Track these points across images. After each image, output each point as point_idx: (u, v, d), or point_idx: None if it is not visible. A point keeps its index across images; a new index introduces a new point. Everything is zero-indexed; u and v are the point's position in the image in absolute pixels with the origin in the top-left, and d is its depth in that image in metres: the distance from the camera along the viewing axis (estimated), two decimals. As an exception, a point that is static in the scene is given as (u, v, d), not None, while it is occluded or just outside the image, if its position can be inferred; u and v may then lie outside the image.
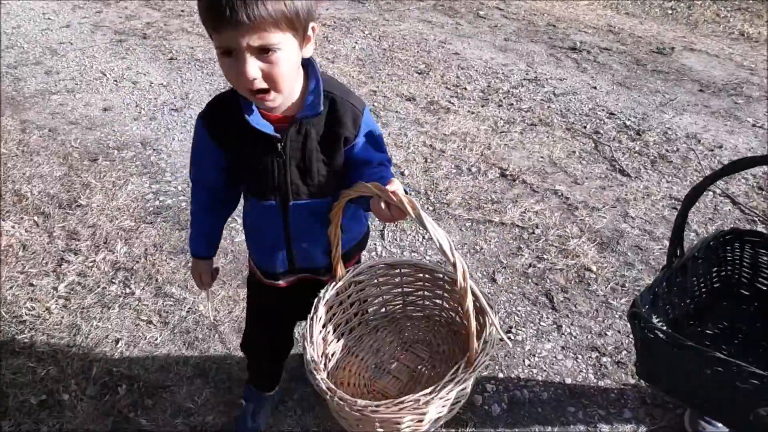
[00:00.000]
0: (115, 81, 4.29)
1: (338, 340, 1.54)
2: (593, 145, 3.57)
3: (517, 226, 2.88)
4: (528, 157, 3.42)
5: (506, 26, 5.41)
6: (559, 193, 3.11)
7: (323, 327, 1.44)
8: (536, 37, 5.17)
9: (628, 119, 3.84)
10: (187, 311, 2.37)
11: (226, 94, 1.34)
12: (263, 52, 1.12)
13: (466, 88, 4.20)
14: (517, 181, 3.20)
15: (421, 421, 1.25)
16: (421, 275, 1.58)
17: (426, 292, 1.61)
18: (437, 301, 1.61)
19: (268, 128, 1.28)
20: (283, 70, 1.16)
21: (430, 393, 1.18)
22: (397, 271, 1.58)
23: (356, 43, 4.97)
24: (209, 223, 1.60)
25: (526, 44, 5.02)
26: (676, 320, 1.73)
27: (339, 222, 1.33)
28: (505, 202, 3.04)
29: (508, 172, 3.27)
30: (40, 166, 3.28)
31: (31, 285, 2.49)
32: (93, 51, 4.76)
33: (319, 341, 1.40)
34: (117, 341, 2.24)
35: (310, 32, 1.20)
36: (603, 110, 3.95)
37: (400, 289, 1.61)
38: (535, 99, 4.08)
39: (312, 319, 1.37)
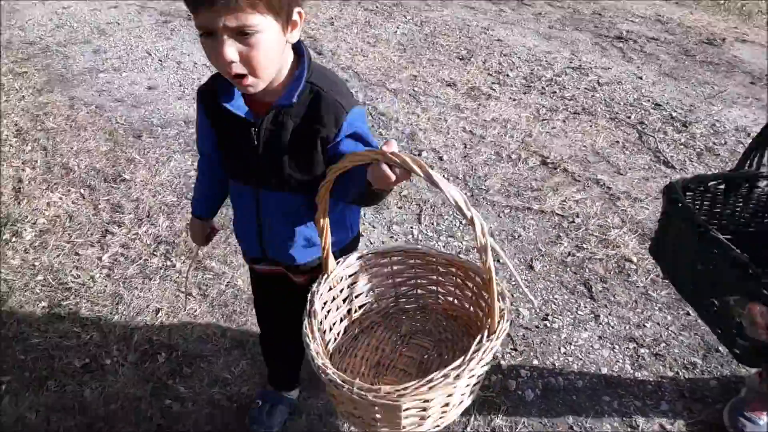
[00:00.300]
0: (160, 61, 4.35)
1: (334, 341, 1.45)
2: (637, 135, 3.50)
3: (557, 214, 2.85)
4: (570, 146, 3.37)
5: (551, 14, 5.32)
6: (601, 183, 3.06)
7: (320, 323, 1.34)
8: (581, 25, 5.08)
9: (675, 110, 3.75)
10: (226, 285, 2.40)
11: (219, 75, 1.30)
12: (241, 35, 1.09)
13: (508, 75, 4.16)
14: (558, 170, 3.16)
15: (447, 404, 1.19)
16: (412, 261, 1.48)
17: (419, 280, 1.52)
18: (432, 287, 1.52)
19: (242, 111, 1.26)
20: (262, 54, 1.12)
21: (460, 366, 1.09)
22: (387, 260, 1.48)
23: (398, 27, 4.95)
24: (208, 190, 1.62)
25: (570, 32, 4.93)
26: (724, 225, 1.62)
27: (326, 208, 1.23)
28: (545, 190, 3.00)
29: (549, 160, 3.23)
30: (87, 141, 3.35)
31: (77, 254, 2.56)
32: (139, 31, 4.84)
33: (319, 337, 1.28)
34: (157, 311, 2.29)
35: (296, 17, 1.16)
36: (648, 101, 3.87)
37: (391, 281, 1.51)
38: (578, 87, 4.02)
39: (309, 314, 1.28)
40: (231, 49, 1.09)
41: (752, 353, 1.35)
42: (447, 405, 1.19)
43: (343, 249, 1.52)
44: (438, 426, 1.21)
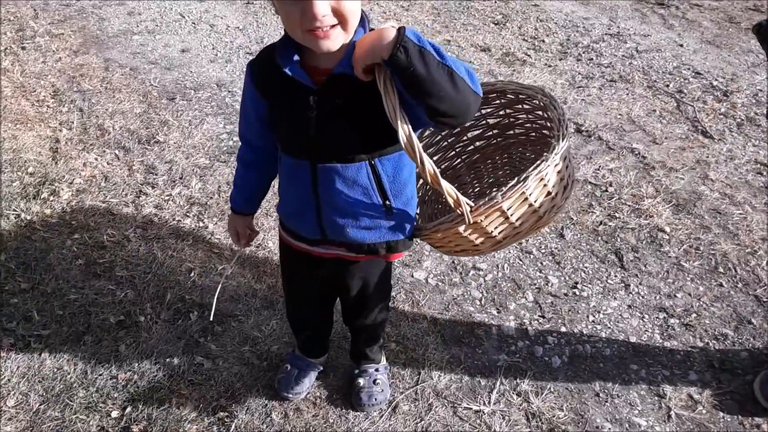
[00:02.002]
0: (194, 23, 4.36)
1: None
2: (675, 104, 3.41)
3: (590, 182, 2.81)
4: (605, 114, 3.31)
5: (590, -22, 5.18)
6: (636, 152, 3.00)
7: None
8: (621, -10, 4.94)
9: (716, 79, 3.65)
10: (257, 246, 2.44)
11: (275, 44, 1.28)
12: None
13: (544, 41, 4.08)
14: (592, 138, 3.11)
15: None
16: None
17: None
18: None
19: (303, 77, 1.22)
20: (353, 4, 1.11)
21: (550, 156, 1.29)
22: None
23: (433, -8, 4.87)
24: (251, 181, 1.57)
25: (610, -2, 4.80)
26: None
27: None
28: (579, 158, 2.96)
29: (583, 128, 3.17)
30: (121, 103, 3.39)
31: (112, 214, 2.61)
32: (173, -7, 4.84)
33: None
34: (190, 271, 2.34)
35: None
36: (688, 69, 3.76)
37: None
38: (616, 55, 3.92)
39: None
40: (323, 4, 1.07)
41: None
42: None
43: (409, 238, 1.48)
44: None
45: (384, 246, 1.44)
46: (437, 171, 1.17)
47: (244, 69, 1.37)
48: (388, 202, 1.36)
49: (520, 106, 1.65)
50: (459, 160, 1.90)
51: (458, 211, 1.26)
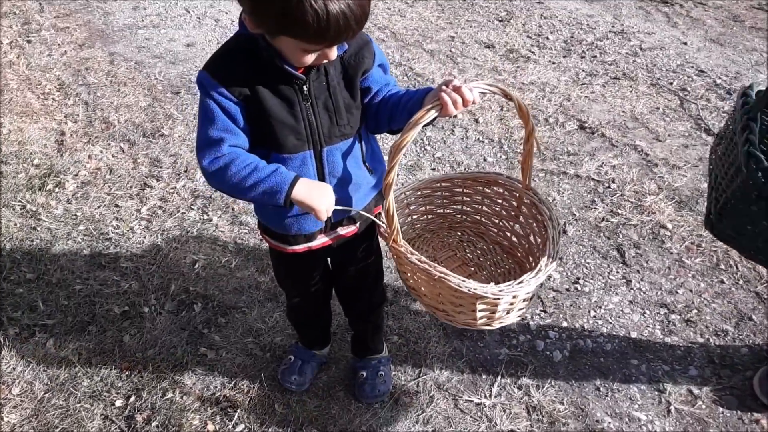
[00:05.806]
0: (198, 18, 4.37)
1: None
2: (679, 102, 3.42)
3: (593, 179, 2.82)
4: (609, 111, 3.31)
5: (595, -24, 5.17)
6: (639, 149, 3.01)
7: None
8: (626, -12, 4.94)
9: (719, 77, 3.64)
10: (260, 240, 2.45)
11: (232, 47, 1.28)
12: None
13: (548, 38, 4.08)
14: (595, 135, 3.11)
15: (511, 303, 1.41)
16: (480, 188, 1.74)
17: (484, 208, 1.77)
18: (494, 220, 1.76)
19: (293, 68, 1.24)
20: None
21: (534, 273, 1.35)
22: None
23: (437, -12, 4.87)
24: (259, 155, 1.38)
25: (614, -5, 4.80)
26: None
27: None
28: (582, 155, 2.97)
29: (587, 125, 3.18)
30: (126, 97, 3.41)
31: (117, 206, 2.63)
32: (178, -12, 4.85)
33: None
34: (194, 263, 2.35)
35: None
36: (692, 67, 3.76)
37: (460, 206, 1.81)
38: (620, 52, 3.92)
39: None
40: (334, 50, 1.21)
41: None
42: (512, 304, 1.44)
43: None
44: (501, 323, 1.46)
45: (373, 202, 1.53)
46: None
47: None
48: (367, 164, 1.46)
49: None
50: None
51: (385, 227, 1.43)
